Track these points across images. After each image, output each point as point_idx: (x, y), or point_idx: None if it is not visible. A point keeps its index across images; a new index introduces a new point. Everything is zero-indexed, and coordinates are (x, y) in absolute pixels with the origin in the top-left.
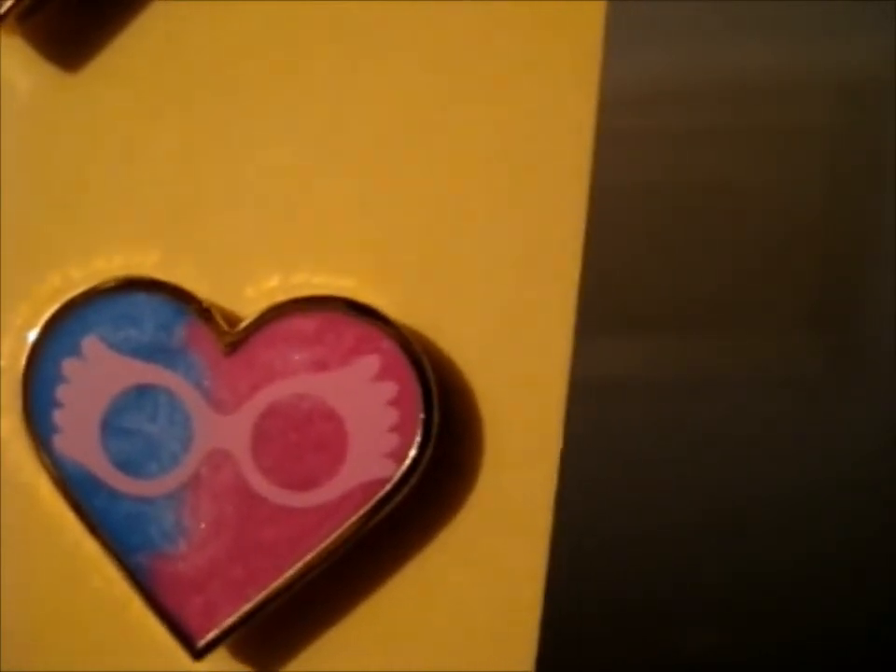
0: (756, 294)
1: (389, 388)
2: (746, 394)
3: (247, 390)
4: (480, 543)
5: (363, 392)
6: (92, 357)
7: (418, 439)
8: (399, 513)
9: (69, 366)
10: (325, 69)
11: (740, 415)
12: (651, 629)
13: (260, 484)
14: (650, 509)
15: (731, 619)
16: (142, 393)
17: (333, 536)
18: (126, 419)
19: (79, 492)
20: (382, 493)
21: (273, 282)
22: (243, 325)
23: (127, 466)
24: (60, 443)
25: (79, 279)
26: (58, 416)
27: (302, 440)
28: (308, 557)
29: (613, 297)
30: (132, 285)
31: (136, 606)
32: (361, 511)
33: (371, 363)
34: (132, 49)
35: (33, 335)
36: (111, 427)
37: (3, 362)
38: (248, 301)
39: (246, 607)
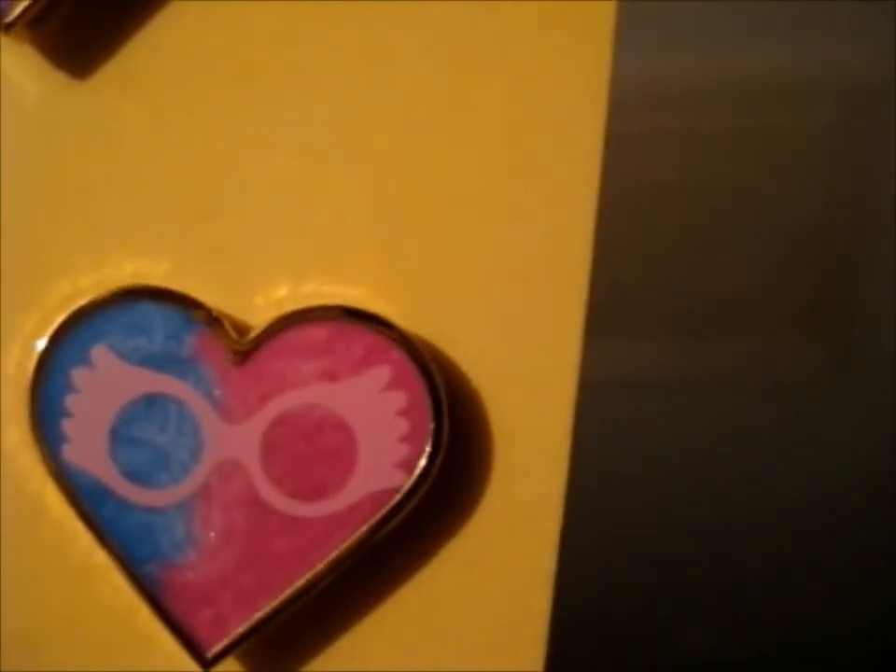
0: (756, 294)
1: (399, 398)
2: (746, 395)
3: (257, 400)
4: (489, 551)
5: (373, 402)
6: (102, 367)
7: (428, 448)
8: (409, 523)
9: (78, 375)
10: (335, 78)
11: (740, 416)
12: (663, 631)
13: (270, 494)
14: (655, 511)
15: (730, 619)
16: (151, 402)
17: (343, 546)
18: (135, 429)
19: (88, 502)
20: (392, 503)
21: (283, 291)
22: (253, 334)
23: (136, 476)
24: (69, 453)
25: (88, 287)
26: (67, 426)
27: (312, 450)
28: (318, 567)
29: (622, 299)
30: (141, 294)
31: (145, 616)
32: (371, 521)
33: (381, 373)
34: (141, 56)
35: (41, 344)
36: (120, 436)
37: (10, 371)
38: (258, 311)
39: (256, 616)
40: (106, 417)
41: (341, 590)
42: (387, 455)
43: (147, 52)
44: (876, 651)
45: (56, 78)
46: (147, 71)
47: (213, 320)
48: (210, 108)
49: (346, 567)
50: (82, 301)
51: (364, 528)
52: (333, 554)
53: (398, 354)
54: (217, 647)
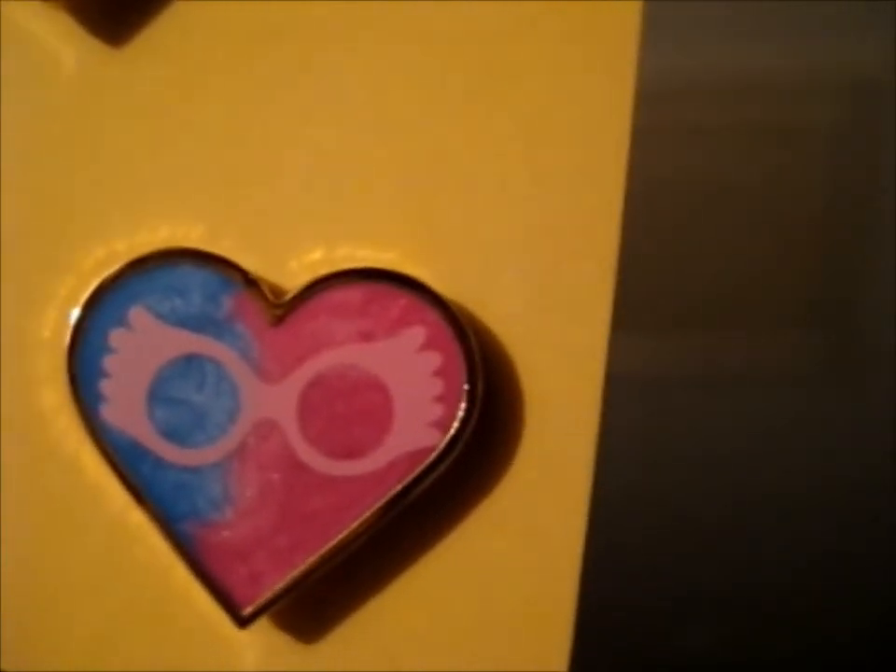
0: (755, 290)
1: (434, 359)
2: (746, 392)
3: (294, 360)
4: (520, 511)
5: (409, 362)
6: (139, 328)
7: (463, 408)
8: (442, 482)
9: (116, 336)
10: (369, 44)
11: (740, 414)
12: (671, 623)
13: (307, 454)
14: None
15: (730, 618)
16: (189, 363)
17: (378, 504)
18: (173, 389)
19: (126, 461)
20: (427, 462)
21: (317, 255)
22: (289, 296)
23: (174, 435)
24: (106, 413)
25: (123, 252)
26: (105, 386)
27: (348, 409)
28: (353, 526)
29: (623, 297)
30: (179, 256)
31: (181, 574)
32: (406, 480)
33: (416, 334)
34: (177, 22)
35: (79, 306)
36: (158, 396)
37: (46, 335)
38: (292, 274)
39: (291, 575)
40: (144, 378)
41: (374, 549)
42: (423, 415)
43: (182, 18)
44: (877, 651)
45: (92, 44)
46: (182, 37)
47: (250, 282)
48: (245, 74)
49: (381, 525)
50: (120, 263)
51: (399, 487)
52: (368, 513)
53: (432, 315)
54: (253, 605)
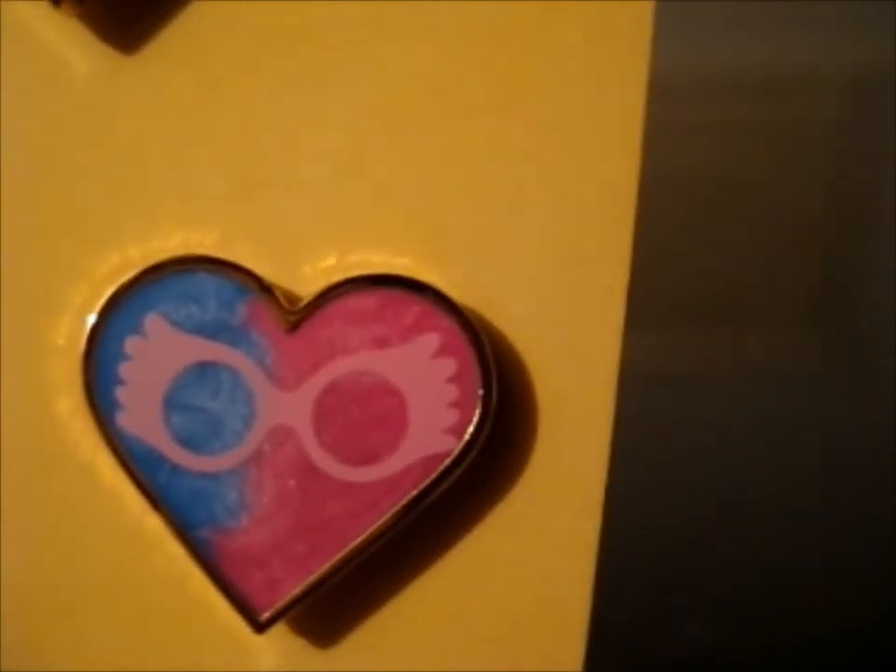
0: (756, 287)
1: (449, 365)
2: (744, 389)
3: (309, 367)
4: (534, 516)
5: (423, 369)
6: (155, 335)
7: (477, 414)
8: (456, 487)
9: (132, 344)
10: (383, 50)
11: (740, 411)
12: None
13: (322, 460)
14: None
15: (729, 617)
16: (204, 370)
17: (394, 510)
18: (189, 396)
19: (142, 468)
20: (442, 467)
21: (331, 261)
22: (304, 302)
23: (190, 442)
24: (122, 420)
25: (138, 259)
26: (121, 393)
27: (364, 415)
28: (369, 531)
29: (662, 280)
30: (194, 263)
31: (198, 581)
32: (421, 486)
33: (430, 340)
34: (189, 30)
35: (94, 313)
36: (174, 403)
37: (61, 342)
38: (306, 280)
39: (308, 580)
40: (160, 385)
41: (390, 554)
42: (437, 421)
43: (194, 25)
44: (878, 651)
45: (105, 52)
46: (194, 44)
47: (264, 289)
48: (258, 81)
49: (396, 530)
50: (135, 271)
51: (414, 493)
52: (383, 519)
53: (447, 322)
54: (270, 610)
